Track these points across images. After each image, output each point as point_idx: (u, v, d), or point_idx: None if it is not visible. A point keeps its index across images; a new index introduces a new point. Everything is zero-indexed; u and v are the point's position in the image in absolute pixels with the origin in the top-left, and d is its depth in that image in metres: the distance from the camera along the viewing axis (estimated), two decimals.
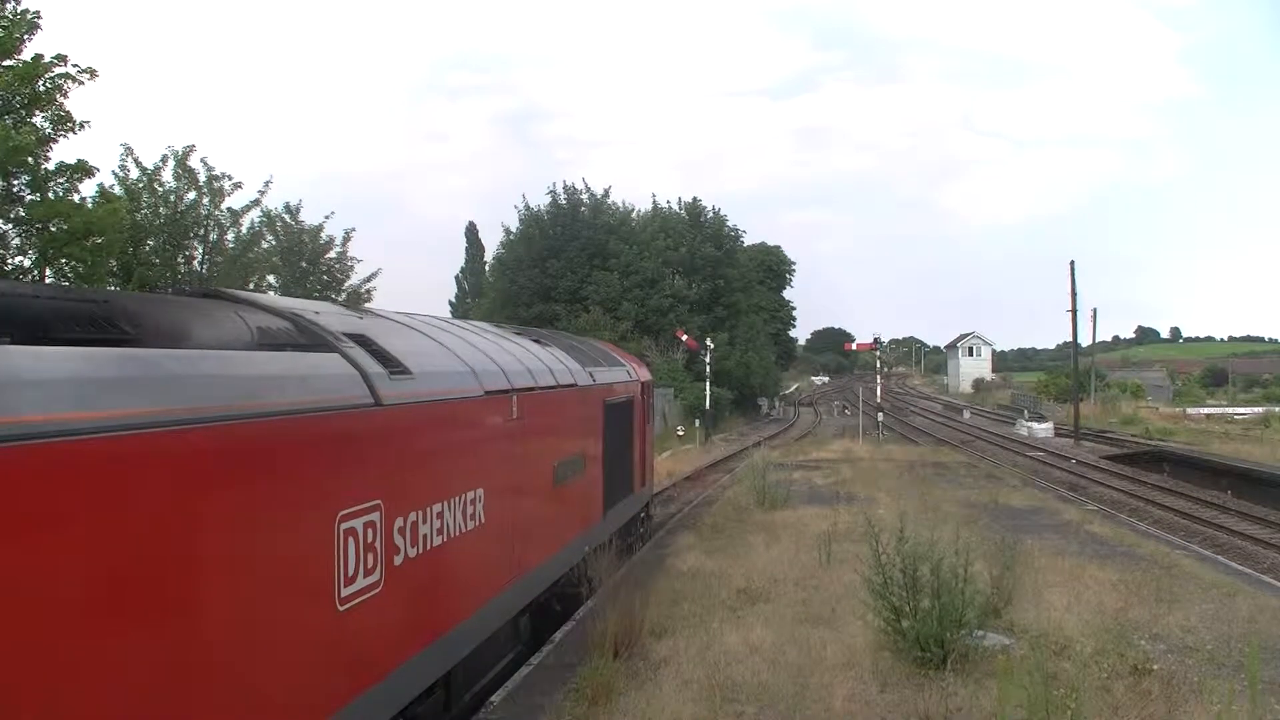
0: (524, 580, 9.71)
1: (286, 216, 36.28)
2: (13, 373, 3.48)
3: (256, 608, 4.83)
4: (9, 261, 21.34)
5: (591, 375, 13.40)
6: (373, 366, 6.52)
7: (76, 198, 21.94)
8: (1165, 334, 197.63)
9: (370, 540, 6.05)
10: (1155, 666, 8.75)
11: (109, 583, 3.72)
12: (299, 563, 5.34)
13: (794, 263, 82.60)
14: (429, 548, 7.01)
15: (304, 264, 36.13)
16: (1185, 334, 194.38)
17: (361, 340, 6.82)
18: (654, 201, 57.66)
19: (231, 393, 4.78)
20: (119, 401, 3.92)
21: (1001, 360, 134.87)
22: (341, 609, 5.68)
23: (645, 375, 18.33)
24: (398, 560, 6.41)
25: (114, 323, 4.59)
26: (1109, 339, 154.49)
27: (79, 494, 3.60)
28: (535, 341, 12.39)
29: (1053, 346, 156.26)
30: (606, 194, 52.45)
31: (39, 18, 20.34)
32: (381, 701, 6.21)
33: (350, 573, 5.76)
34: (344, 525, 5.73)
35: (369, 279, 37.16)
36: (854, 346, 57.79)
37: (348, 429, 5.93)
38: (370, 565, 6.02)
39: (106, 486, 3.75)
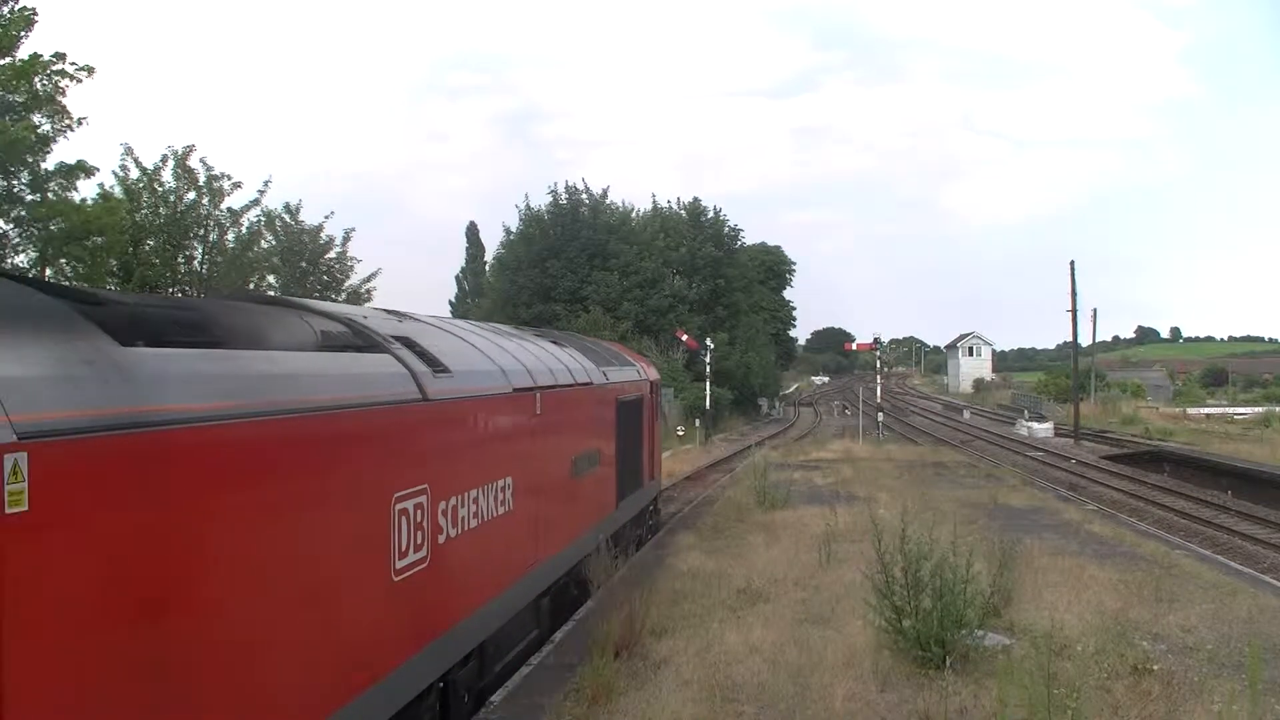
0: (546, 563, 10.41)
1: (286, 216, 36.23)
2: (174, 371, 4.56)
3: (336, 566, 5.72)
4: (9, 261, 21.34)
5: (605, 374, 14.07)
6: (419, 365, 7.31)
7: (76, 198, 21.98)
8: (1165, 334, 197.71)
9: (419, 520, 6.81)
10: (1155, 666, 8.75)
11: (228, 526, 4.68)
12: (364, 535, 6.10)
13: (794, 263, 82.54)
14: (466, 529, 7.79)
15: (304, 264, 36.07)
16: (1185, 334, 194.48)
17: (407, 342, 7.58)
18: (654, 201, 57.71)
19: (307, 388, 5.59)
20: (221, 394, 4.77)
21: (1002, 360, 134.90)
22: (396, 579, 6.42)
23: (654, 375, 19.05)
24: (441, 539, 7.17)
25: (206, 328, 5.34)
26: (1109, 339, 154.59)
27: (206, 465, 4.53)
28: (553, 343, 13.03)
29: (1053, 346, 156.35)
30: (606, 194, 52.48)
31: (35, 14, 20.36)
32: (424, 670, 6.94)
33: (403, 547, 6.54)
34: (398, 505, 6.50)
35: (369, 279, 37.14)
36: (854, 346, 57.74)
37: (401, 420, 6.75)
38: (419, 542, 6.79)
39: (219, 460, 4.64)
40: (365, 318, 7.81)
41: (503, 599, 8.80)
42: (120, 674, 3.90)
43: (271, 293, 31.68)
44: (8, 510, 3.35)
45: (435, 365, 7.65)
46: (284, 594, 5.17)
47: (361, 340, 7.12)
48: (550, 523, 10.56)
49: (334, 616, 5.69)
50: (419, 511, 6.85)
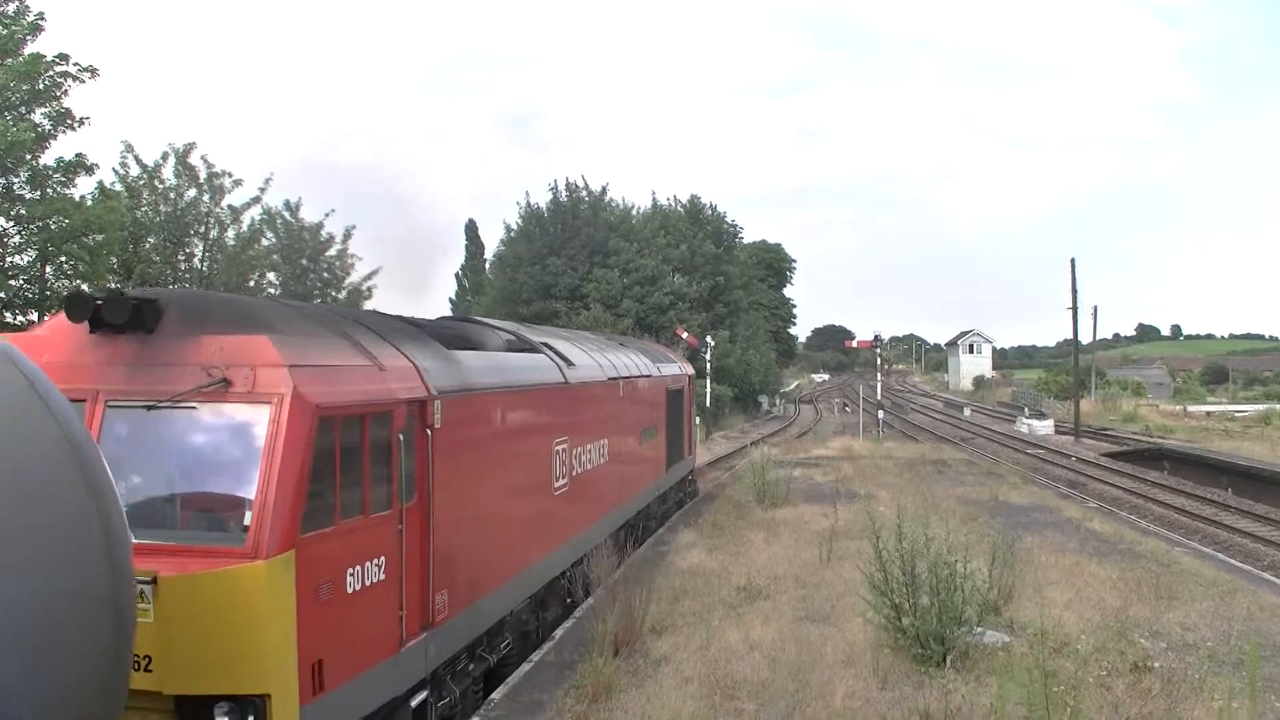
0: (623, 506, 14.68)
1: (286, 214, 36.20)
2: (474, 365, 8.95)
3: (536, 474, 10.40)
4: (8, 259, 21.32)
5: (659, 369, 18.47)
6: (560, 361, 11.73)
7: (76, 194, 21.94)
8: (1166, 331, 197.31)
9: (565, 459, 11.30)
10: (1155, 664, 8.75)
11: (510, 443, 9.62)
12: (542, 463, 10.60)
13: (794, 260, 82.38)
14: (585, 470, 12.19)
15: (304, 261, 36.08)
16: (1185, 331, 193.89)
17: (548, 346, 11.96)
18: (654, 199, 57.63)
19: (519, 374, 10.16)
20: (490, 375, 9.24)
21: (1002, 358, 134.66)
22: (554, 494, 10.94)
23: (690, 370, 23.79)
24: (574, 473, 11.62)
25: (466, 338, 9.76)
26: (1109, 336, 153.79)
27: (499, 414, 9.23)
28: (621, 345, 17.60)
29: (1053, 344, 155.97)
30: (605, 191, 52.41)
31: (42, 18, 20.37)
32: (566, 558, 11.42)
33: (557, 474, 10.99)
34: (556, 447, 10.99)
35: (369, 276, 37.15)
36: (854, 344, 57.68)
37: (555, 394, 11.19)
38: (562, 473, 11.21)
39: (496, 414, 9.19)
40: (518, 330, 12.34)
41: (594, 530, 12.67)
42: (470, 492, 8.29)
43: (264, 290, 32.19)
44: (436, 425, 7.47)
45: (567, 360, 11.96)
46: (520, 475, 9.89)
47: (525, 345, 11.39)
48: (625, 475, 14.84)
49: (533, 501, 10.30)
50: (564, 453, 11.28)
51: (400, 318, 9.27)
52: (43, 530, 4.05)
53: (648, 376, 16.78)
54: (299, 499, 5.72)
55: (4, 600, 3.77)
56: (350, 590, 6.23)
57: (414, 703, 7.21)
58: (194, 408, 5.84)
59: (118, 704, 4.47)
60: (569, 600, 11.80)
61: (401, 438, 6.91)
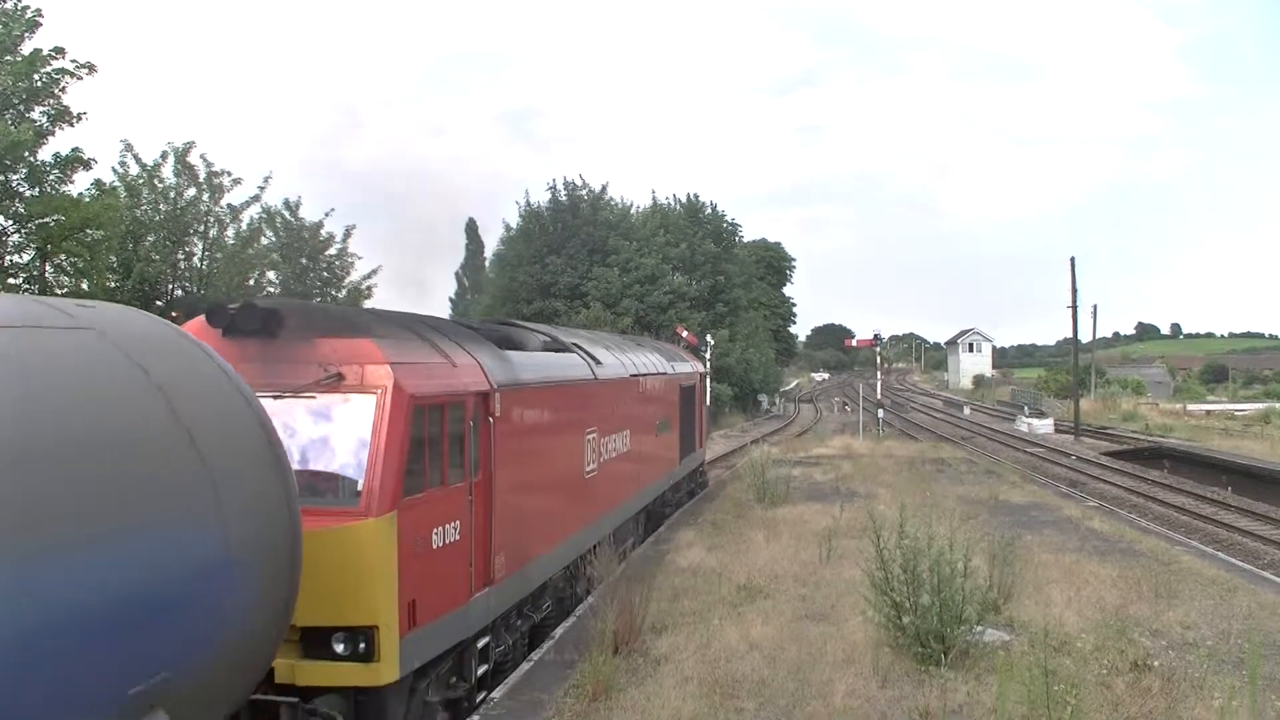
0: (642, 491, 16.09)
1: (286, 213, 36.16)
2: (523, 363, 10.37)
3: (570, 459, 11.79)
4: (6, 258, 21.31)
5: (674, 367, 19.85)
6: (589, 359, 13.09)
7: (74, 192, 21.91)
8: (1165, 330, 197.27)
9: (594, 447, 12.69)
10: (1155, 662, 8.74)
11: (552, 430, 11.16)
12: (576, 449, 12.02)
13: (794, 259, 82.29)
14: (610, 457, 13.55)
15: (304, 260, 36.03)
16: (1185, 330, 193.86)
17: (577, 346, 13.29)
18: (653, 198, 57.64)
19: (557, 371, 11.52)
20: (535, 372, 10.46)
21: (1002, 356, 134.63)
22: (585, 477, 12.36)
23: (701, 369, 25.75)
24: (601, 460, 13.03)
25: (511, 340, 10.80)
26: (1109, 335, 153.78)
27: (543, 405, 10.67)
28: (639, 345, 19.28)
29: (1053, 343, 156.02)
30: (605, 190, 52.40)
31: (40, 15, 20.36)
32: (592, 536, 12.47)
33: (587, 460, 12.42)
34: (586, 437, 12.42)
35: (369, 275, 37.12)
36: (854, 343, 57.74)
37: (585, 390, 12.55)
38: (592, 459, 12.61)
39: (541, 405, 10.56)
40: (552, 331, 13.73)
41: (619, 510, 14.17)
42: (521, 472, 9.56)
43: (265, 289, 32.26)
44: (496, 414, 8.77)
45: (595, 359, 13.34)
46: (559, 459, 11.29)
47: (559, 345, 12.65)
48: (644, 464, 16.21)
49: (568, 483, 11.69)
50: (593, 442, 12.68)
51: (459, 322, 11.23)
52: (251, 478, 5.37)
53: (663, 374, 18.16)
54: (400, 470, 7.09)
55: (243, 535, 5.12)
56: (435, 546, 7.65)
57: (479, 645, 8.58)
58: (313, 397, 7.15)
59: (289, 620, 5.89)
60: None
61: (472, 423, 8.41)
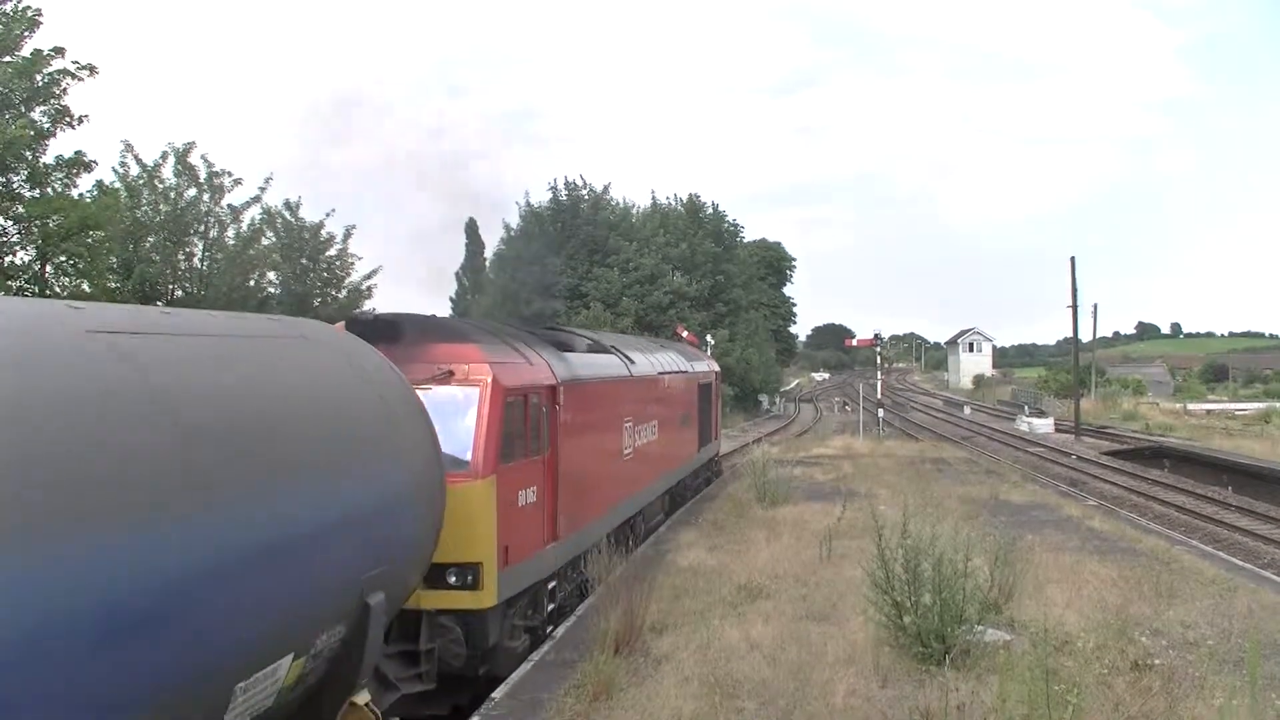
0: (666, 474, 18.29)
1: (286, 213, 36.15)
2: (578, 362, 12.69)
3: (615, 442, 14.08)
4: (7, 259, 21.31)
5: (693, 366, 22.18)
6: (625, 360, 15.29)
7: (75, 192, 21.93)
8: (1166, 329, 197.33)
9: (630, 434, 14.78)
10: (1156, 662, 8.74)
11: (599, 419, 13.44)
12: (617, 434, 14.15)
13: (794, 258, 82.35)
14: (642, 443, 15.66)
15: (304, 260, 36.03)
16: (1186, 330, 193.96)
17: (615, 348, 15.45)
18: (653, 198, 57.67)
19: (603, 369, 13.85)
20: (588, 370, 12.94)
21: (1002, 356, 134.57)
22: (623, 459, 14.47)
23: (717, 368, 28.28)
24: (636, 444, 15.16)
25: (563, 342, 12.96)
26: (1109, 335, 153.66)
27: (593, 398, 12.96)
28: (663, 347, 21.69)
29: (1053, 342, 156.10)
30: (606, 190, 52.42)
31: (40, 15, 20.37)
32: (629, 510, 14.60)
33: (624, 445, 14.50)
34: (625, 425, 14.51)
35: (369, 275, 37.12)
36: (854, 343, 57.74)
37: (624, 386, 14.71)
38: (629, 444, 14.72)
39: (591, 397, 12.81)
40: (594, 335, 16.11)
41: (649, 489, 16.32)
42: (578, 451, 11.75)
43: (265, 288, 32.64)
44: (561, 403, 11.06)
45: (630, 360, 15.60)
46: (605, 442, 13.40)
47: (600, 347, 14.72)
48: (669, 451, 18.32)
49: (611, 463, 13.73)
50: (629, 429, 14.71)
51: (527, 329, 13.24)
52: (419, 441, 7.30)
53: (684, 372, 20.58)
54: (498, 443, 9.13)
55: (417, 478, 7.04)
56: (520, 505, 9.65)
57: (549, 586, 10.73)
58: (430, 389, 8.75)
59: (436, 543, 7.57)
60: (629, 544, 14.89)
61: (544, 410, 10.49)
